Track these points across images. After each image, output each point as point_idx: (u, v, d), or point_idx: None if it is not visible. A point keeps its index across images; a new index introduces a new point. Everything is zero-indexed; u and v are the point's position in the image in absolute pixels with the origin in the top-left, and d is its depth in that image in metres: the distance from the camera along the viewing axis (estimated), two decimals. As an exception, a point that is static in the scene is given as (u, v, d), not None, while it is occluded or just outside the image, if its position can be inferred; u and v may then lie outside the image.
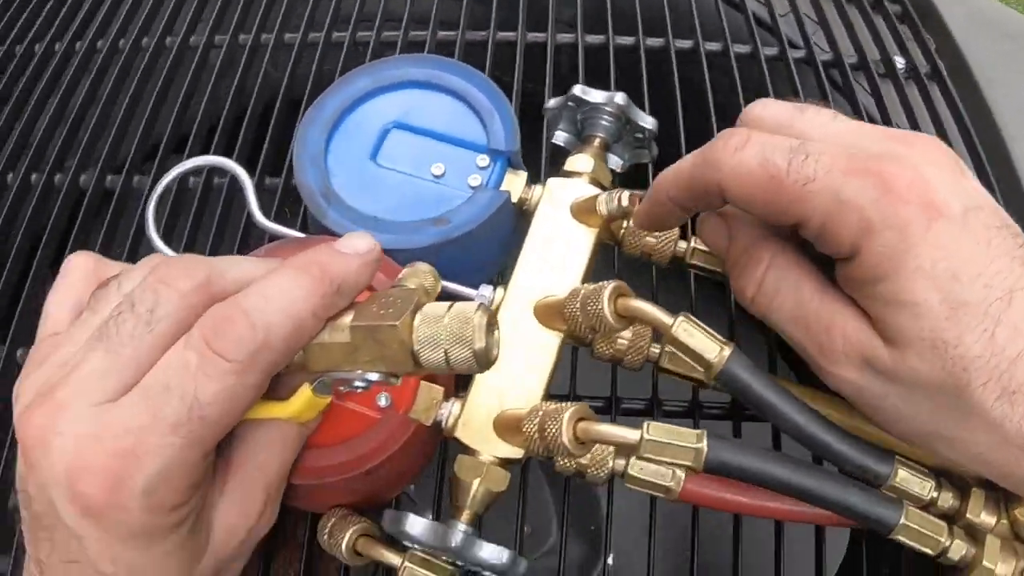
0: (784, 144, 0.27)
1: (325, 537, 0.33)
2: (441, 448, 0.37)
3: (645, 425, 0.28)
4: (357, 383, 0.27)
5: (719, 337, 0.29)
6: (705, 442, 0.27)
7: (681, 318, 0.29)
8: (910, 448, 0.31)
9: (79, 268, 0.31)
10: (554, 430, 0.28)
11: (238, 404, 0.26)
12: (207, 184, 0.46)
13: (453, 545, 0.29)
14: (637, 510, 0.37)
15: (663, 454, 0.27)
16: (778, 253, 0.30)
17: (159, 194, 0.37)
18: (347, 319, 0.27)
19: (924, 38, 0.52)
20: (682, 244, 0.37)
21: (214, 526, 0.29)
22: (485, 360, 0.26)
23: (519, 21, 0.51)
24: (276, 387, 0.28)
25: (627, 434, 0.27)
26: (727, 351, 0.28)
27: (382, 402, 0.31)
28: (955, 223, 0.26)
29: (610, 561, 0.35)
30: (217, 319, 0.26)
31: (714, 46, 0.49)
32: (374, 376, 0.27)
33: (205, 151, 0.47)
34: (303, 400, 0.28)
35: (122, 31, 0.56)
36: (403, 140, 0.37)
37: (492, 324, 0.26)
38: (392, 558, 0.32)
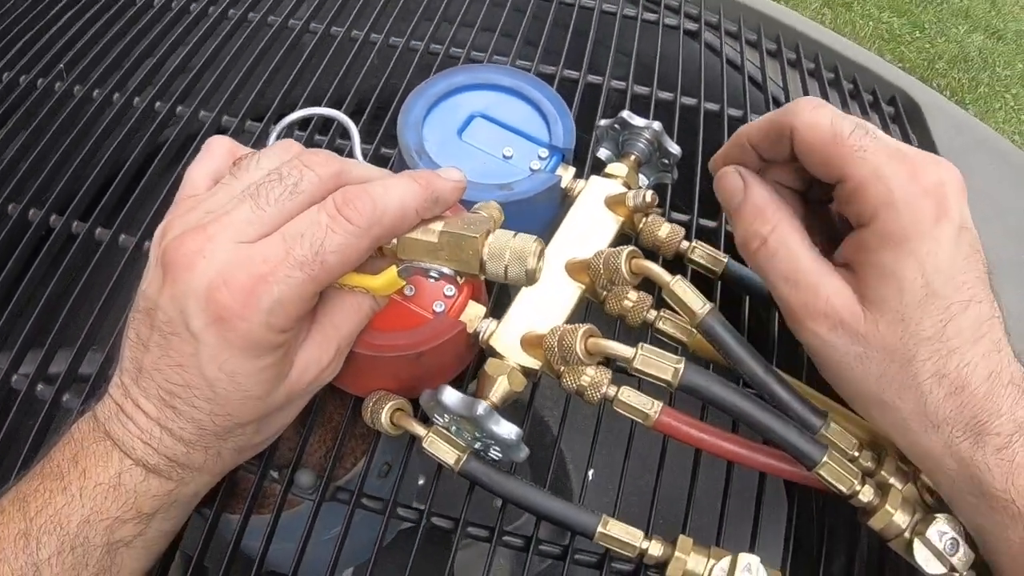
0: (852, 119, 0.33)
1: (369, 408, 0.40)
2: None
3: (639, 345, 0.36)
4: (432, 273, 0.34)
5: (703, 297, 0.38)
6: (683, 364, 0.36)
7: (678, 277, 0.38)
8: (845, 422, 0.38)
9: (220, 146, 0.37)
10: (570, 341, 0.36)
11: (350, 259, 0.32)
12: (309, 139, 0.55)
13: (477, 414, 0.35)
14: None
15: (650, 367, 0.36)
16: (784, 219, 0.35)
17: (280, 129, 0.46)
18: (437, 225, 0.35)
19: (910, 137, 0.62)
20: (685, 243, 0.46)
21: (295, 362, 0.35)
22: (532, 278, 0.33)
23: (583, 65, 0.62)
24: (368, 267, 0.35)
25: (625, 349, 0.36)
26: (708, 307, 0.37)
27: (437, 308, 0.40)
28: (954, 229, 0.31)
29: (590, 475, 0.43)
30: (348, 194, 0.32)
31: (736, 112, 0.60)
32: (446, 270, 0.34)
33: (305, 125, 0.56)
34: (388, 277, 0.34)
35: (252, 5, 0.67)
36: (484, 126, 0.47)
37: (542, 253, 0.34)
38: (419, 429, 0.39)
